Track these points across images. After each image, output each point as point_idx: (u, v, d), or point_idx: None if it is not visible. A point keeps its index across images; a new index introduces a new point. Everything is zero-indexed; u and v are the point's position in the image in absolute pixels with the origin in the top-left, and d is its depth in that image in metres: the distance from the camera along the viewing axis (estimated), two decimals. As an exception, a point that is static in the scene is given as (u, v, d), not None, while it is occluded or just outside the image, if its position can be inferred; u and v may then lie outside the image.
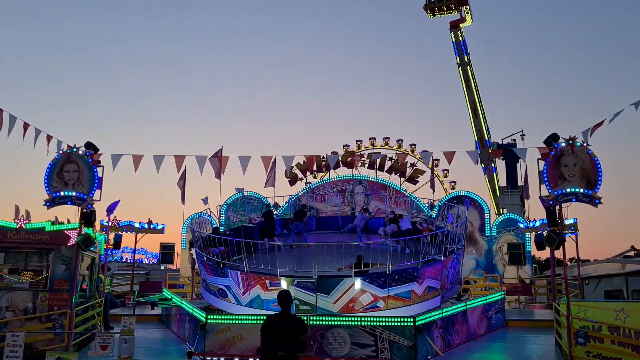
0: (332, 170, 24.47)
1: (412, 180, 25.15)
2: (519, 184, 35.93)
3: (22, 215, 13.92)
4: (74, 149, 12.08)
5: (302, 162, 24.37)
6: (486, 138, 38.29)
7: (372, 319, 11.51)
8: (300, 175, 25.37)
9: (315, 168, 25.43)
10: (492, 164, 36.68)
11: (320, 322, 11.50)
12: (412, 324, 11.25)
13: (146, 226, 21.38)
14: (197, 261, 16.82)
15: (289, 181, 24.97)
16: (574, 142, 11.27)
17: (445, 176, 28.85)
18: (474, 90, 37.84)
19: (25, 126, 12.23)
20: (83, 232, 11.87)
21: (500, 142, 42.66)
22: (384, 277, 13.17)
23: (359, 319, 11.57)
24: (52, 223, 13.67)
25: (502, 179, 41.53)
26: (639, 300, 17.86)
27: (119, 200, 16.39)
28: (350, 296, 13.05)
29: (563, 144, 11.32)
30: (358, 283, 13.01)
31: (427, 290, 13.72)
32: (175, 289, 20.47)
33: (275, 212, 23.04)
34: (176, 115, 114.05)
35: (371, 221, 19.45)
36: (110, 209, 16.41)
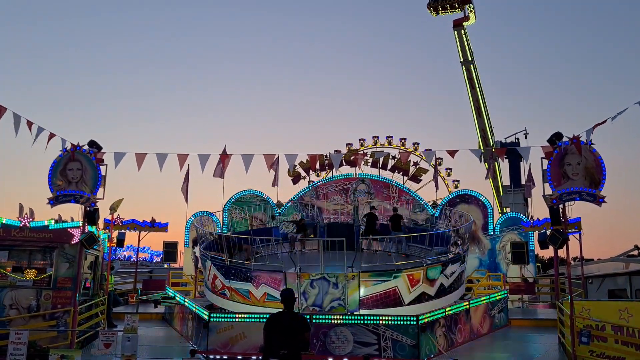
0: (335, 169, 24.40)
1: (415, 178, 25.09)
2: (522, 182, 35.83)
3: (26, 214, 13.99)
4: (78, 147, 12.09)
5: (305, 161, 24.35)
6: (489, 137, 38.22)
7: (375, 318, 11.50)
8: (303, 174, 25.35)
9: (318, 167, 25.39)
10: (496, 164, 36.61)
11: (324, 321, 11.50)
12: (415, 322, 11.24)
13: (149, 224, 21.41)
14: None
15: (291, 180, 24.96)
16: (579, 140, 11.21)
17: (449, 175, 28.82)
18: (478, 88, 37.77)
19: (29, 125, 12.22)
20: (86, 230, 11.90)
21: (503, 141, 42.55)
22: (225, 268, 13.27)
23: (362, 318, 11.57)
24: (56, 221, 13.73)
25: (505, 178, 41.42)
26: (643, 300, 17.79)
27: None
28: (211, 277, 13.86)
29: (567, 143, 11.26)
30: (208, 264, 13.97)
31: (265, 297, 12.77)
32: (178, 287, 20.51)
33: (278, 211, 23.05)
34: (179, 114, 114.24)
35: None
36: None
